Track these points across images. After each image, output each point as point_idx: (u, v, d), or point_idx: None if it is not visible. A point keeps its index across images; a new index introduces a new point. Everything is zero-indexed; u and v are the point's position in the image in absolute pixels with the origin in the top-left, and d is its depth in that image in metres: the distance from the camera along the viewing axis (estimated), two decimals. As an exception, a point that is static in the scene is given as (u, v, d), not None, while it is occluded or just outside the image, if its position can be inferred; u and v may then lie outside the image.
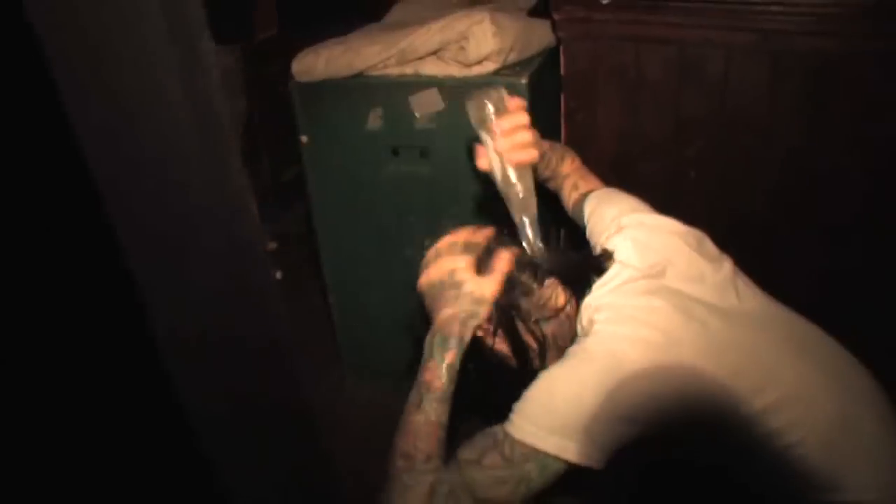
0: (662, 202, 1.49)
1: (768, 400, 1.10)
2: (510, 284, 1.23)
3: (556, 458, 1.08)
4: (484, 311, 1.21)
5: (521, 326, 1.25)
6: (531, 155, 1.29)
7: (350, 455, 1.26)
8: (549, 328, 1.27)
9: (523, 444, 1.09)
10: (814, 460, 1.10)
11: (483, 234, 1.30)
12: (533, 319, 1.25)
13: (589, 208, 1.52)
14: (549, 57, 2.03)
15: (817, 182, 1.84)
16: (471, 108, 1.30)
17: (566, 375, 1.13)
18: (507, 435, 1.11)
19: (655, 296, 1.18)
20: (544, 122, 2.01)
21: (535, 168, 1.39)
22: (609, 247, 1.33)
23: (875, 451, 1.15)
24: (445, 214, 2.07)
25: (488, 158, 1.30)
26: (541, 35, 2.02)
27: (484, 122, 1.28)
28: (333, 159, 2.18)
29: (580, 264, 1.32)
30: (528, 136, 1.28)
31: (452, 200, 2.06)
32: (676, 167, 2.01)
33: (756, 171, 1.92)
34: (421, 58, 1.93)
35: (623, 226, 1.38)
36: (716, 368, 1.11)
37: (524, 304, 1.24)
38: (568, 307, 1.27)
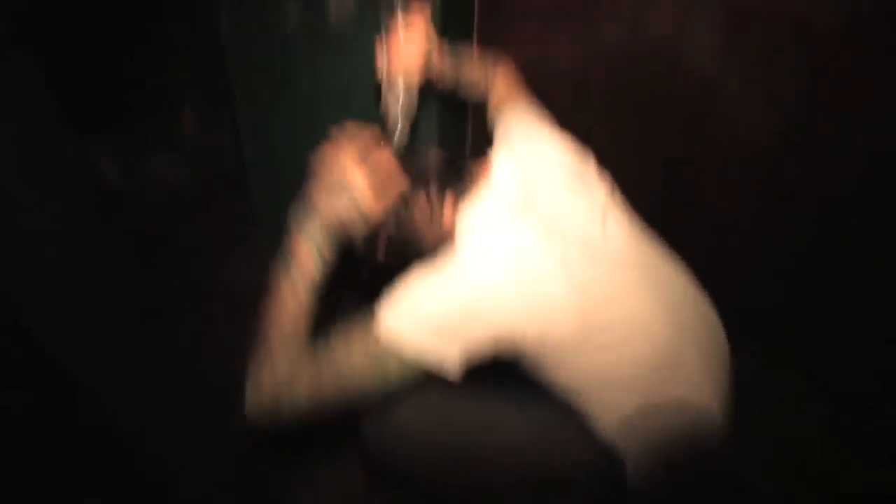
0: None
1: (601, 319, 1.22)
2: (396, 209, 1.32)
3: (421, 360, 1.18)
4: (364, 229, 1.32)
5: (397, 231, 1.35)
6: (415, 67, 1.47)
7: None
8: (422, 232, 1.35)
9: (390, 339, 1.18)
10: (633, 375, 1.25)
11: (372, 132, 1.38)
12: (411, 228, 1.35)
13: (497, 120, 1.62)
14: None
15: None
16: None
17: (439, 288, 1.20)
18: (376, 328, 1.20)
19: (522, 223, 1.28)
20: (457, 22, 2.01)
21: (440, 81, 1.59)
22: (495, 158, 1.43)
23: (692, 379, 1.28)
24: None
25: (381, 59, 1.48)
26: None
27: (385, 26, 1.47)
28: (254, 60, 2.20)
29: (456, 172, 1.38)
30: (416, 49, 1.46)
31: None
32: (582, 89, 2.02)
33: (662, 105, 1.94)
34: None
35: (512, 142, 1.48)
36: (566, 291, 1.20)
37: (404, 221, 1.34)
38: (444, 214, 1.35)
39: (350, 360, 1.19)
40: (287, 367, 1.19)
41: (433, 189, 1.33)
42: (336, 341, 1.21)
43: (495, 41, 2.04)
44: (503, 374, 1.34)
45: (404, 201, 1.32)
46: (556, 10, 1.93)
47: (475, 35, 2.08)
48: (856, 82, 1.62)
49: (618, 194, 1.43)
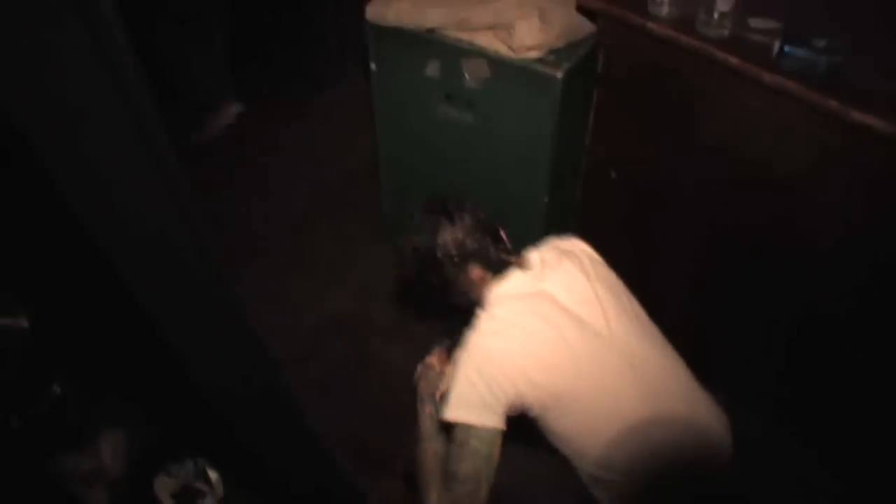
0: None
1: (587, 399, 1.57)
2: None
3: (482, 427, 1.52)
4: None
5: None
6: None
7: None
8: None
9: (457, 424, 1.54)
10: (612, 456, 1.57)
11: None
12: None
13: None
14: (594, 49, 2.23)
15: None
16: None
17: (462, 366, 1.57)
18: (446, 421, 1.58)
19: (529, 303, 1.61)
20: (578, 108, 2.32)
21: None
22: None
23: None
24: (479, 154, 2.46)
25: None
26: (588, 27, 2.22)
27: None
28: (395, 92, 2.55)
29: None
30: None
31: (486, 146, 2.43)
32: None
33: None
34: (477, 29, 2.20)
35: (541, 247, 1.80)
36: (562, 367, 1.55)
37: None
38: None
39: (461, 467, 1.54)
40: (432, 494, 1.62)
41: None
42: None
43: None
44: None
45: None
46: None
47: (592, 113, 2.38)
48: None
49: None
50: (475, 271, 1.67)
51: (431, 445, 1.71)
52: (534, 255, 1.73)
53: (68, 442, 1.96)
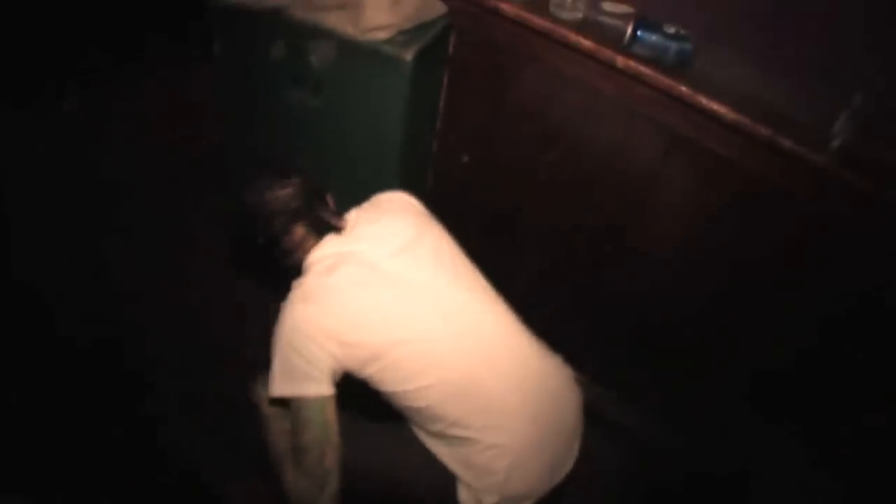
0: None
1: (402, 352, 1.55)
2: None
3: (309, 397, 1.53)
4: None
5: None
6: None
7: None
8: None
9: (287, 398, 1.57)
10: (440, 405, 1.56)
11: None
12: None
13: None
14: (445, 30, 2.16)
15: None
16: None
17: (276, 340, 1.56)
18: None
19: (338, 266, 1.61)
20: (428, 91, 2.24)
21: None
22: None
23: (497, 405, 1.58)
24: (328, 138, 2.36)
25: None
26: (440, 7, 2.14)
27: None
28: (239, 75, 2.41)
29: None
30: None
31: (335, 130, 2.32)
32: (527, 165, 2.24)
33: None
34: (324, 9, 2.08)
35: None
36: (371, 324, 1.55)
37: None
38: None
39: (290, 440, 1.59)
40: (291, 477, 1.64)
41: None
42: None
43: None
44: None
45: None
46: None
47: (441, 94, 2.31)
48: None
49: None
50: (298, 231, 1.67)
51: (277, 426, 1.75)
52: (352, 214, 1.77)
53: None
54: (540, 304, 2.23)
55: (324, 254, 1.65)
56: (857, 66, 1.59)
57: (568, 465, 1.70)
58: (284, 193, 1.67)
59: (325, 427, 1.54)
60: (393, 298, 1.58)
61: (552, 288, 2.43)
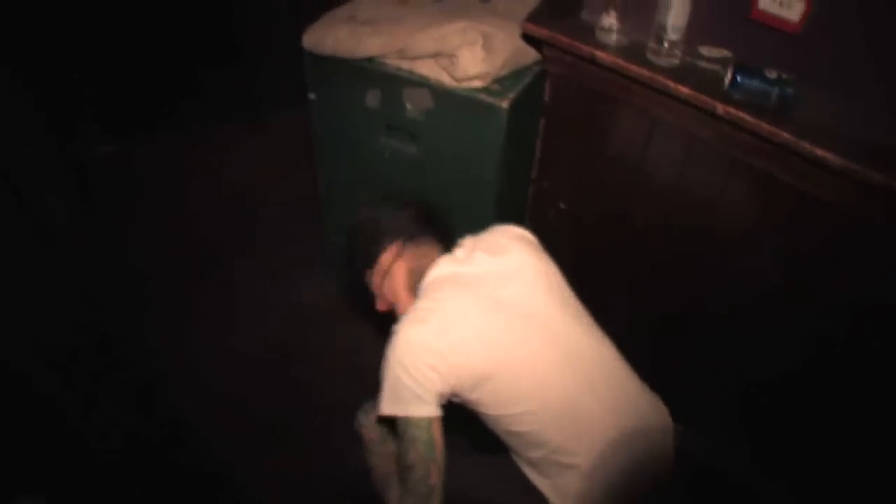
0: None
1: (510, 376, 1.58)
2: None
3: (417, 417, 1.55)
4: None
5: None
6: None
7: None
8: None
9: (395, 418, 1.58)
10: (543, 430, 1.59)
11: None
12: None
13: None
14: (540, 76, 2.19)
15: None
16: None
17: (387, 360, 1.58)
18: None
19: (449, 288, 1.67)
20: (524, 138, 2.26)
21: None
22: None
23: (589, 428, 1.60)
24: (423, 186, 2.37)
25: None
26: (534, 54, 2.17)
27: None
28: (335, 121, 2.46)
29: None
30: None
31: (430, 178, 2.35)
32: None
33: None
34: (418, 58, 2.12)
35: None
36: (481, 346, 1.57)
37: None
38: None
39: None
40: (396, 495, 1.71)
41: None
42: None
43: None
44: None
45: None
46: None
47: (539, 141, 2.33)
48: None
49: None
50: (393, 248, 1.77)
51: (383, 448, 1.83)
52: (468, 241, 1.85)
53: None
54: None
55: (440, 275, 1.70)
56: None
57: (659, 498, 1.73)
58: (401, 214, 1.78)
59: (431, 446, 1.57)
60: (504, 323, 1.61)
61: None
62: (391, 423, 1.68)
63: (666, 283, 2.24)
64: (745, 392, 2.22)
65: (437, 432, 1.58)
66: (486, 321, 1.60)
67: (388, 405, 1.56)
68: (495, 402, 1.61)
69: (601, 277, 2.39)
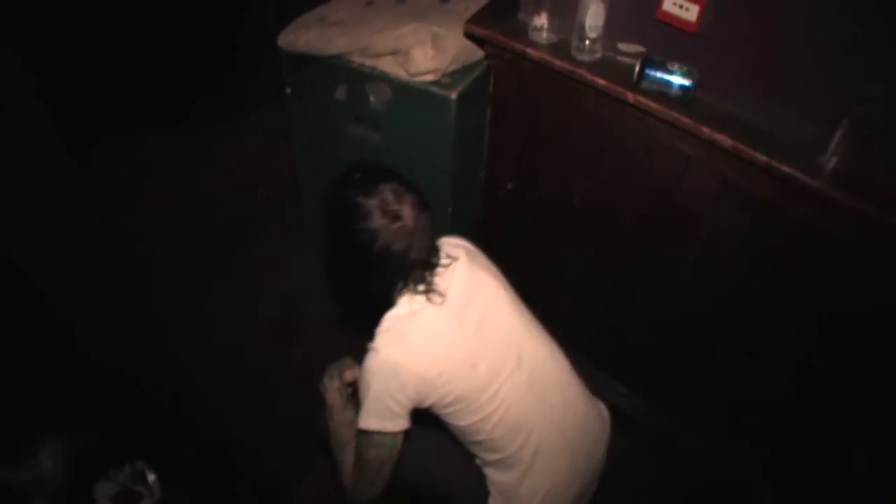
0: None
1: (485, 395, 1.74)
2: None
3: (390, 431, 1.70)
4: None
5: None
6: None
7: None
8: None
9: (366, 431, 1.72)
10: (500, 439, 1.78)
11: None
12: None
13: None
14: (486, 71, 2.41)
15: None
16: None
17: (370, 381, 1.69)
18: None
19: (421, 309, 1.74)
20: (474, 126, 2.50)
21: None
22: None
23: (545, 446, 1.79)
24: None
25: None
26: (479, 52, 2.39)
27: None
28: (309, 113, 2.73)
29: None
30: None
31: (394, 163, 2.47)
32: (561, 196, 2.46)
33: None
34: (378, 55, 2.38)
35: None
36: (457, 367, 1.71)
37: None
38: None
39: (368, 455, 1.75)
40: (349, 468, 1.84)
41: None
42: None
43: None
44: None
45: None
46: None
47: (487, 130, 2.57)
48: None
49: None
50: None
51: (342, 415, 1.94)
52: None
53: (6, 453, 1.98)
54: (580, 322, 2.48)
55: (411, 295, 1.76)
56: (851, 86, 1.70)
57: (589, 496, 1.98)
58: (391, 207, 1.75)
59: (393, 449, 1.72)
60: (473, 341, 1.74)
61: (592, 305, 2.67)
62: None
63: (604, 257, 2.48)
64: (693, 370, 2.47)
65: (401, 438, 1.72)
66: (457, 340, 1.73)
67: (369, 421, 1.68)
68: (464, 414, 1.75)
69: (551, 253, 2.65)
